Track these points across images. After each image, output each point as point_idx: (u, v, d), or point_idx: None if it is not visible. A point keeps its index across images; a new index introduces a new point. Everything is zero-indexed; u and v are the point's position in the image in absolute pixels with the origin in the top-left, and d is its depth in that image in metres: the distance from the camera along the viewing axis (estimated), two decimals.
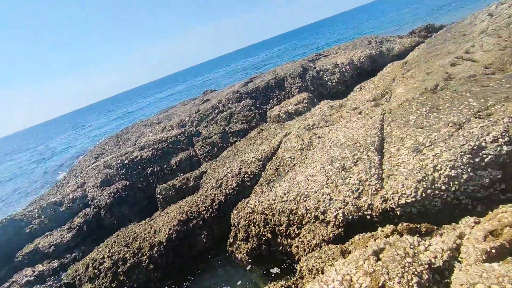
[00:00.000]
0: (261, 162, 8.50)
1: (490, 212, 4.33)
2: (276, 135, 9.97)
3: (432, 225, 4.65)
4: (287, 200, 6.09)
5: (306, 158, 7.36)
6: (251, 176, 8.26)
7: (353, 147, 6.03)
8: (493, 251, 3.03)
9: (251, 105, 13.74)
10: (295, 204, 5.90)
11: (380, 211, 4.99)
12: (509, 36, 6.63)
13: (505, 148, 4.28)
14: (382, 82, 9.22)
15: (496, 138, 4.30)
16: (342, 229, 5.27)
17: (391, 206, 4.89)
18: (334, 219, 5.29)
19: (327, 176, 5.80)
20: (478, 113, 4.79)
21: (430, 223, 4.77)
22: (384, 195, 4.95)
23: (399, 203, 4.79)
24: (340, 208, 5.26)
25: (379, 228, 4.74)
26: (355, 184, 5.30)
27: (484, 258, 2.99)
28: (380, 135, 6.02)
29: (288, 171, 7.53)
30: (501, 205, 4.14)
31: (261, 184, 7.61)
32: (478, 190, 4.59)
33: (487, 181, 4.47)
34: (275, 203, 6.25)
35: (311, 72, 14.51)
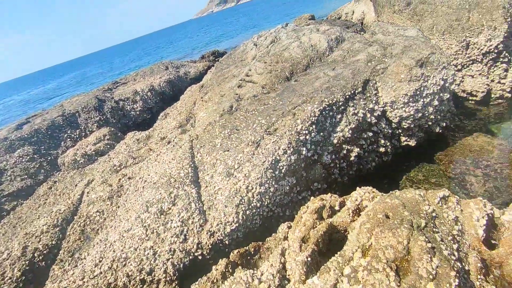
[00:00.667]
0: (58, 228, 6.42)
1: (295, 215, 4.92)
2: (76, 185, 7.95)
3: (258, 242, 4.81)
4: (101, 273, 4.73)
5: (118, 207, 6.13)
6: (44, 252, 6.05)
7: (167, 185, 5.47)
8: (309, 259, 3.27)
9: (33, 153, 10.52)
10: (112, 274, 4.65)
11: (210, 247, 4.68)
12: (271, 62, 8.14)
13: (292, 157, 4.99)
14: (185, 107, 9.26)
15: (285, 150, 4.93)
16: (176, 282, 4.58)
17: (219, 238, 4.67)
18: (164, 275, 4.51)
19: (145, 226, 4.93)
20: (268, 130, 5.39)
21: (256, 241, 4.93)
22: (210, 229, 4.68)
23: (225, 232, 4.65)
24: (168, 260, 4.55)
25: (213, 267, 4.42)
26: (178, 226, 4.75)
27: (305, 270, 3.17)
28: (192, 165, 5.79)
29: (98, 229, 6.02)
30: (302, 207, 4.79)
31: (61, 260, 5.68)
32: (283, 198, 5.14)
33: (287, 188, 5.06)
34: (84, 283, 4.71)
35: (110, 103, 12.89)
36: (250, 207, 4.75)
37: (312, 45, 8.21)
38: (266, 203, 4.89)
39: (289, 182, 5.08)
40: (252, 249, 4.72)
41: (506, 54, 7.55)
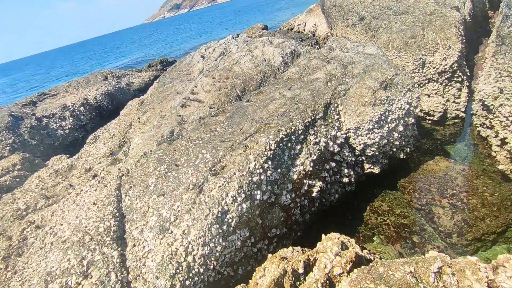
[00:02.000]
0: None
1: (250, 271, 3.91)
2: None
3: None
4: None
5: (15, 274, 4.55)
6: None
7: (80, 245, 4.09)
8: None
9: None
10: None
11: None
12: (221, 77, 7.12)
13: (244, 205, 3.97)
14: (118, 129, 7.80)
15: (234, 197, 3.89)
16: None
17: None
18: None
19: None
20: (213, 168, 4.32)
21: None
22: None
23: None
24: None
25: None
26: None
27: None
28: (118, 213, 4.48)
29: None
30: (257, 269, 3.79)
31: None
32: (234, 255, 4.08)
33: (239, 243, 4.02)
34: None
35: (29, 121, 10.76)
36: (191, 275, 3.61)
37: (265, 60, 7.36)
38: (211, 266, 3.79)
39: (241, 235, 4.05)
40: None
41: (460, 74, 7.44)
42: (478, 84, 6.65)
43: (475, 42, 10.65)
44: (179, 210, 3.96)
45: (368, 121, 5.22)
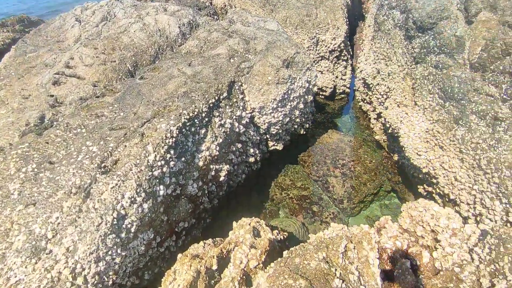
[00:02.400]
0: None
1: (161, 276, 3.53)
2: None
3: None
4: None
5: None
6: None
7: None
8: None
9: None
10: None
11: None
12: (105, 48, 5.92)
13: (145, 206, 3.45)
14: None
15: (133, 198, 3.32)
16: None
17: None
18: None
19: None
20: (103, 165, 3.57)
21: None
22: None
23: None
24: None
25: None
26: None
27: None
28: None
29: None
30: (166, 274, 3.42)
31: None
32: (138, 262, 3.59)
33: (142, 248, 3.54)
34: None
35: None
36: None
37: (160, 30, 6.46)
38: (110, 282, 3.23)
39: (144, 239, 3.56)
40: None
41: (345, 53, 8.20)
42: (359, 63, 7.45)
43: (353, 25, 11.94)
44: (58, 223, 3.16)
45: (272, 100, 5.21)
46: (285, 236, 4.43)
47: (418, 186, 4.83)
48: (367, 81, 6.67)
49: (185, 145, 4.25)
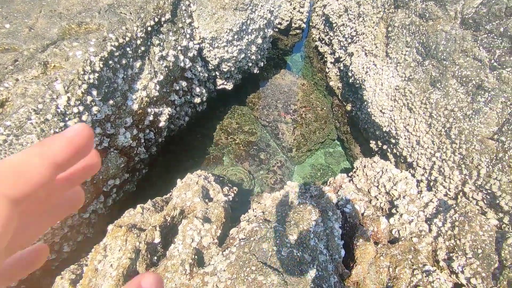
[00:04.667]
0: None
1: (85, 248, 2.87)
2: None
3: None
4: None
5: None
6: None
7: None
8: None
9: None
10: None
11: None
12: None
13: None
14: None
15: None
16: None
17: None
18: None
19: None
20: None
21: None
22: None
23: None
24: None
25: None
26: None
27: None
28: None
29: None
30: (95, 247, 2.72)
31: None
32: (68, 233, 2.79)
33: (58, 224, 2.69)
34: None
35: None
36: None
37: None
38: None
39: None
40: None
41: None
42: None
43: None
44: None
45: (228, 31, 4.20)
46: (235, 193, 4.02)
47: (371, 141, 4.77)
48: (330, 19, 5.95)
49: (114, 83, 3.16)
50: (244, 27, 4.41)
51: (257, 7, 4.40)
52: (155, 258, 2.72)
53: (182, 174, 3.86)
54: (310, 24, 7.61)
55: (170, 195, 3.51)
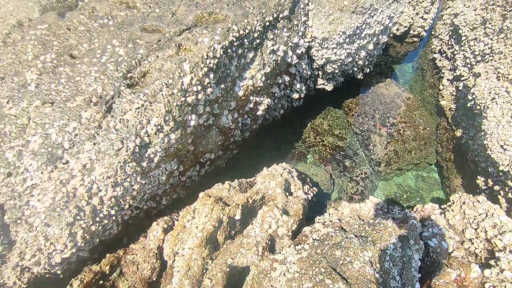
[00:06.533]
0: None
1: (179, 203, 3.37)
2: None
3: (117, 252, 3.18)
4: None
5: None
6: None
7: None
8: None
9: None
10: None
11: (25, 286, 2.77)
12: None
13: (173, 136, 2.98)
14: None
15: (159, 126, 2.83)
16: None
17: (41, 272, 2.75)
18: None
19: None
20: (129, 75, 2.99)
21: (114, 247, 3.27)
22: (19, 263, 2.66)
23: (52, 263, 2.74)
24: None
25: None
26: None
27: None
28: None
29: None
30: (186, 208, 3.18)
31: None
32: (157, 189, 3.35)
33: (163, 178, 3.23)
34: None
35: None
36: (98, 219, 2.82)
37: None
38: (127, 205, 3.02)
39: (167, 169, 3.22)
40: (108, 267, 3.10)
41: None
42: (455, 3, 5.84)
43: None
44: (76, 134, 2.77)
45: (341, 33, 4.16)
46: (314, 193, 4.06)
47: (478, 177, 4.16)
48: (459, 31, 5.28)
49: (228, 69, 3.53)
50: (358, 31, 4.30)
51: (376, 12, 4.22)
52: (233, 232, 3.02)
53: (267, 162, 4.08)
54: (432, 33, 6.86)
55: (254, 179, 3.77)
